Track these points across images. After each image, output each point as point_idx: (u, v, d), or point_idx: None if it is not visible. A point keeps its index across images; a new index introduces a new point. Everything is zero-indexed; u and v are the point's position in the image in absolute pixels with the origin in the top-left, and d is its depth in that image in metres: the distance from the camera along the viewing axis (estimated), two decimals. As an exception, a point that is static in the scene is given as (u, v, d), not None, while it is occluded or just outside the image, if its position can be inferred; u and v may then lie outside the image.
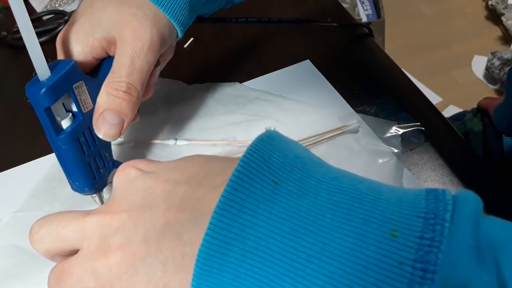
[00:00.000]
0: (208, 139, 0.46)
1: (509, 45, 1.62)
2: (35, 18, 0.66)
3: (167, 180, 0.23)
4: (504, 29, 1.65)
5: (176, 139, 0.46)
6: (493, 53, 1.48)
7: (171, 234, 0.21)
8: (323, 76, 0.51)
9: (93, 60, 0.36)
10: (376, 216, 0.19)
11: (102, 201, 0.41)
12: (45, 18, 0.67)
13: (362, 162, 0.42)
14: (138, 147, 0.47)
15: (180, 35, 0.38)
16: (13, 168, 0.47)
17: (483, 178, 0.41)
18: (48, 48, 0.65)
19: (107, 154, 0.39)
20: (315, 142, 0.44)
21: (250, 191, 0.20)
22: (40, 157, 0.48)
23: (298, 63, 0.53)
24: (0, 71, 0.62)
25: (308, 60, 0.53)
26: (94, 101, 0.35)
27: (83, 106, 0.35)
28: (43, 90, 0.31)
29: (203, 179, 0.23)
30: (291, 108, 0.48)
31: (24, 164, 0.48)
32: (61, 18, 0.65)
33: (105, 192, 0.41)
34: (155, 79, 0.39)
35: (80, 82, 0.34)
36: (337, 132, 0.44)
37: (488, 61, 1.49)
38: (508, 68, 1.43)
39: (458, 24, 1.74)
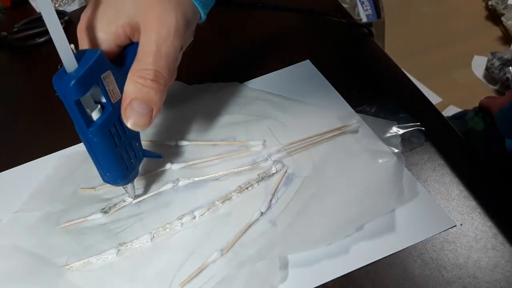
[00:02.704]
0: (208, 139, 0.46)
1: (509, 45, 1.62)
2: (35, 18, 0.66)
3: None
4: (504, 29, 1.65)
5: (176, 140, 0.46)
6: (493, 53, 1.48)
7: None
8: (323, 76, 0.50)
9: (116, 48, 0.35)
10: None
11: (134, 192, 0.41)
12: (45, 18, 0.66)
13: (362, 162, 0.42)
14: (138, 147, 0.47)
15: (203, 17, 0.37)
16: (13, 168, 0.47)
17: (483, 177, 0.41)
18: (49, 48, 0.65)
19: (137, 144, 0.39)
20: (315, 142, 0.44)
21: None
22: (40, 157, 0.48)
23: (298, 63, 0.53)
24: (0, 71, 0.62)
25: (308, 60, 0.53)
26: (121, 90, 0.34)
27: (112, 97, 0.34)
28: (72, 82, 0.30)
29: None
30: (291, 108, 0.48)
31: (24, 164, 0.48)
32: (61, 18, 0.65)
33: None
34: (178, 63, 0.38)
35: (108, 72, 0.33)
36: (337, 132, 0.44)
37: (488, 61, 1.49)
38: (508, 68, 1.43)
39: (458, 24, 1.74)
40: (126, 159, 0.37)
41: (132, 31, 0.34)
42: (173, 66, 0.35)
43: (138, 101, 0.33)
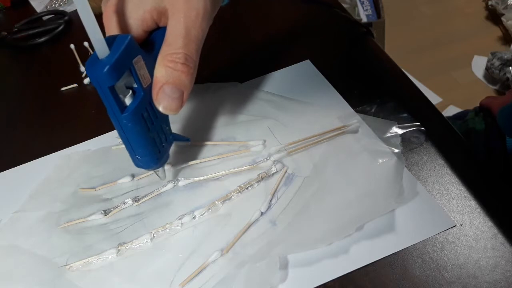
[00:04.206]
0: (208, 139, 0.46)
1: (509, 45, 1.62)
2: (35, 18, 0.66)
3: None
4: (504, 29, 1.65)
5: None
6: (493, 53, 1.48)
7: None
8: (323, 76, 0.50)
9: (143, 33, 0.35)
10: None
11: (165, 175, 0.42)
12: (45, 18, 0.67)
13: (362, 162, 0.42)
14: (138, 147, 0.47)
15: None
16: (13, 168, 0.47)
17: (483, 177, 0.41)
18: (48, 49, 0.65)
19: (167, 128, 0.39)
20: (315, 142, 0.44)
21: None
22: (40, 157, 0.48)
23: (298, 63, 0.53)
24: (0, 71, 0.62)
25: (308, 60, 0.53)
26: (150, 74, 0.34)
27: (143, 81, 0.34)
28: (106, 69, 0.30)
29: None
30: (291, 108, 0.48)
31: (24, 164, 0.48)
32: (61, 18, 0.65)
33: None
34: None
35: (138, 56, 0.33)
36: (337, 132, 0.44)
37: (488, 61, 1.49)
38: (508, 68, 1.43)
39: (458, 24, 1.74)
40: (158, 143, 0.38)
41: (159, 16, 0.34)
42: (201, 48, 0.35)
43: (169, 85, 0.33)
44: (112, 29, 0.34)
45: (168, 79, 0.33)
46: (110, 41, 0.31)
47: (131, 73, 0.33)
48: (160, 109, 0.34)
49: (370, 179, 0.40)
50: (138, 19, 0.34)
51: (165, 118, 0.39)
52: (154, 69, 0.33)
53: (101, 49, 0.31)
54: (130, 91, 0.34)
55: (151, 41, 0.35)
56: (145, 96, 0.34)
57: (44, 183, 0.45)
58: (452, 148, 0.43)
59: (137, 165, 0.39)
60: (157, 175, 0.41)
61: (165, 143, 0.39)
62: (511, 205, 0.38)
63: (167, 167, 0.43)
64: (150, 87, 0.34)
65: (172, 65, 0.33)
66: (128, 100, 0.34)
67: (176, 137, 0.42)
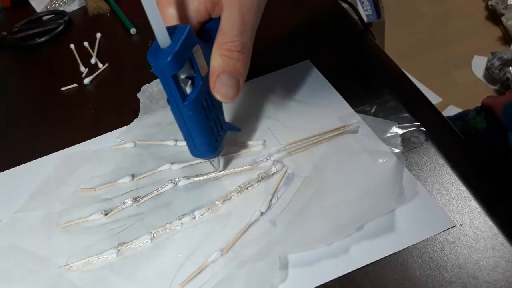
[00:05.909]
0: (208, 139, 0.46)
1: (509, 45, 1.62)
2: (35, 18, 0.66)
3: None
4: (504, 29, 1.65)
5: (176, 140, 0.46)
6: (493, 53, 1.48)
7: None
8: (323, 76, 0.50)
9: (197, 24, 0.36)
10: None
11: (219, 165, 0.42)
12: (45, 18, 0.67)
13: (362, 162, 0.42)
14: (139, 147, 0.47)
15: None
16: (13, 168, 0.47)
17: (483, 177, 0.41)
18: (48, 49, 0.65)
19: (222, 117, 0.40)
20: (315, 142, 0.44)
21: None
22: (40, 157, 0.48)
23: (298, 63, 0.53)
24: (0, 71, 0.62)
25: (308, 60, 0.53)
26: (206, 64, 0.35)
27: (201, 70, 0.34)
28: (170, 57, 0.31)
29: None
30: (291, 108, 0.48)
31: (24, 164, 0.48)
32: (61, 18, 0.65)
33: None
34: None
35: (197, 46, 0.33)
36: (337, 132, 0.44)
37: (488, 61, 1.49)
38: (508, 68, 1.43)
39: (458, 24, 1.74)
40: (215, 132, 0.38)
41: (213, 6, 0.35)
42: (254, 37, 0.35)
43: (226, 73, 0.33)
44: (168, 20, 0.35)
45: (225, 67, 0.33)
46: (170, 31, 0.32)
47: (191, 62, 0.33)
48: (218, 97, 0.34)
49: (370, 179, 0.40)
50: (193, 10, 0.35)
51: (220, 107, 0.39)
52: (210, 58, 0.34)
53: (163, 38, 0.31)
54: (190, 81, 0.34)
55: (203, 32, 0.36)
56: (203, 85, 0.35)
57: (44, 183, 0.45)
58: (452, 148, 0.43)
59: (195, 155, 0.39)
60: (212, 165, 0.42)
61: (221, 132, 0.40)
62: (511, 205, 0.38)
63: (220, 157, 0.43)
64: (207, 76, 0.35)
65: (228, 54, 0.33)
66: (188, 89, 0.34)
67: (230, 127, 0.42)
